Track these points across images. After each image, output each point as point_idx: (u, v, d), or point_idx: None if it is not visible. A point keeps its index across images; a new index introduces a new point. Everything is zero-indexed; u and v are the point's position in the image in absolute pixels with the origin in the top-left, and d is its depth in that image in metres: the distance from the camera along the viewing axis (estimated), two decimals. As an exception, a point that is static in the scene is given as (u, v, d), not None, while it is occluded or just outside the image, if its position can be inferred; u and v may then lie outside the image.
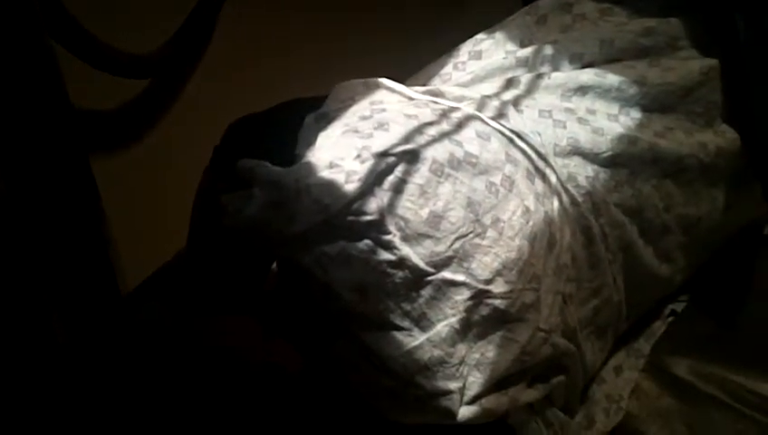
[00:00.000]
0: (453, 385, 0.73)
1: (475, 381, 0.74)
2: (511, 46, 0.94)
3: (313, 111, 0.80)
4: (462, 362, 0.73)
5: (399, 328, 0.72)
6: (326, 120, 0.79)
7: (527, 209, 0.77)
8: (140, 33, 1.02)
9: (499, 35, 0.95)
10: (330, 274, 0.71)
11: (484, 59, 0.93)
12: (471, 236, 0.74)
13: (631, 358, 0.96)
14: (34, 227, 0.70)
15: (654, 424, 0.89)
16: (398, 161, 0.73)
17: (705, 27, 0.95)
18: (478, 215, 0.74)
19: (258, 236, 0.75)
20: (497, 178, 0.77)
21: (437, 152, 0.75)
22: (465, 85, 0.92)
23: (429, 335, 0.72)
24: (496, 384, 0.76)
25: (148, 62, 1.05)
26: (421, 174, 0.73)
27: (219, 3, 1.14)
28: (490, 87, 0.90)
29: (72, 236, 0.76)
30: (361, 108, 0.80)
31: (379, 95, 0.83)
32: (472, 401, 0.74)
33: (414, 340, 0.72)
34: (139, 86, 1.07)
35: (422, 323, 0.72)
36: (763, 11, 0.90)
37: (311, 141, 0.77)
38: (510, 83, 0.90)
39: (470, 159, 0.76)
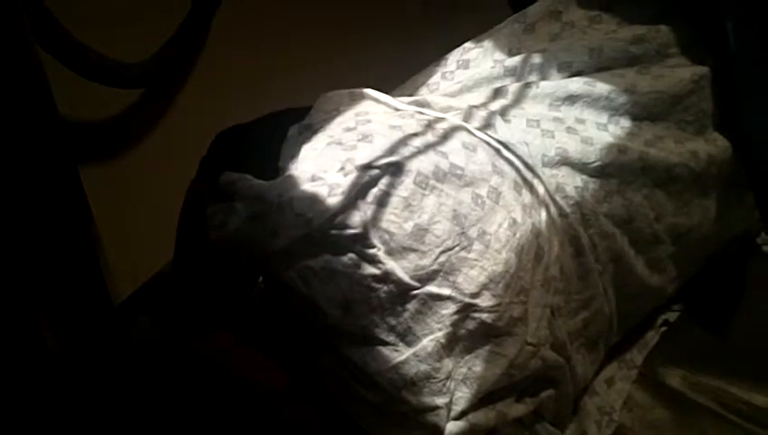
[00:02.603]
0: (440, 401, 0.72)
1: (463, 397, 0.73)
2: (499, 55, 0.93)
3: (299, 121, 0.80)
4: (449, 376, 0.72)
5: (385, 343, 0.71)
6: (310, 132, 0.78)
7: (514, 221, 0.76)
8: (131, 43, 1.02)
9: (487, 44, 0.94)
10: (313, 288, 0.71)
11: (471, 68, 0.93)
12: (457, 249, 0.73)
13: (623, 369, 0.95)
14: (24, 237, 0.70)
15: (647, 436, 0.89)
16: (381, 174, 0.72)
17: (696, 35, 0.94)
18: (464, 227, 0.73)
19: (242, 250, 0.74)
20: (483, 190, 0.76)
21: (422, 164, 0.74)
22: (452, 95, 0.91)
23: (415, 350, 0.71)
24: (484, 399, 0.75)
25: (139, 72, 1.04)
26: (405, 186, 0.72)
27: (211, 13, 1.14)
28: (477, 97, 0.89)
29: (61, 246, 0.75)
30: (346, 119, 0.79)
31: (364, 106, 0.82)
32: (459, 417, 0.73)
33: (400, 355, 0.71)
34: (129, 96, 1.07)
35: (408, 337, 0.72)
36: (752, 18, 0.90)
37: (294, 154, 0.76)
38: (498, 93, 0.89)
39: (456, 170, 0.75)
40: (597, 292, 0.85)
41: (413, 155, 0.74)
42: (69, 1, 0.90)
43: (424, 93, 0.93)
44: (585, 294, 0.84)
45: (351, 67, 1.08)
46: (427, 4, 1.38)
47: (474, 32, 0.99)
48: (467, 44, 0.96)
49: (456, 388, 0.73)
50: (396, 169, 0.73)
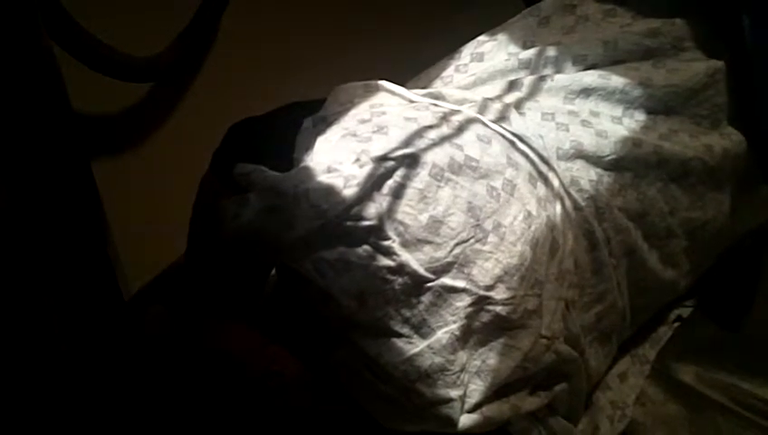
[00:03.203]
0: (454, 393, 0.72)
1: (477, 389, 0.73)
2: (513, 48, 0.93)
3: (313, 114, 0.79)
4: (463, 369, 0.72)
5: (399, 335, 0.71)
6: (324, 124, 0.78)
7: (529, 214, 0.76)
8: (143, 37, 1.02)
9: (501, 37, 0.94)
10: (328, 280, 0.71)
11: (486, 61, 0.93)
12: (472, 241, 0.73)
13: (636, 364, 0.95)
14: (35, 231, 0.70)
15: (659, 431, 0.88)
16: (397, 166, 0.72)
17: (711, 28, 0.94)
18: (479, 220, 0.73)
19: (255, 242, 0.74)
20: (498, 183, 0.76)
21: (437, 156, 0.74)
22: (466, 88, 0.91)
23: (430, 342, 0.71)
24: (498, 392, 0.75)
25: (151, 66, 1.04)
26: (421, 178, 0.72)
27: (222, 7, 1.14)
28: (492, 89, 0.89)
29: (72, 240, 0.75)
30: (361, 111, 0.79)
31: (379, 98, 0.82)
32: (473, 410, 0.73)
33: (414, 347, 0.71)
34: (141, 90, 1.07)
35: (422, 329, 0.71)
36: (769, 12, 0.89)
37: (308, 145, 0.76)
38: (512, 86, 0.89)
39: (471, 162, 0.75)
40: (611, 286, 0.84)
41: (428, 147, 0.74)
42: (81, -4, 0.90)
43: (438, 86, 0.93)
44: (599, 289, 0.84)
45: (360, 63, 1.08)
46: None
47: (484, 27, 0.99)
48: (481, 37, 0.96)
49: (470, 380, 0.73)
50: (411, 161, 0.73)
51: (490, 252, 0.73)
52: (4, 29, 0.62)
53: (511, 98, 0.87)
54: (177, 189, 0.87)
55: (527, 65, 0.91)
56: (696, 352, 0.95)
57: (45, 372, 0.69)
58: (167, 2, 1.06)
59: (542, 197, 0.78)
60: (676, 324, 1.00)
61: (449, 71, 0.94)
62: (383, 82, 0.84)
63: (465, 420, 0.72)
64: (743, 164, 0.93)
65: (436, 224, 0.72)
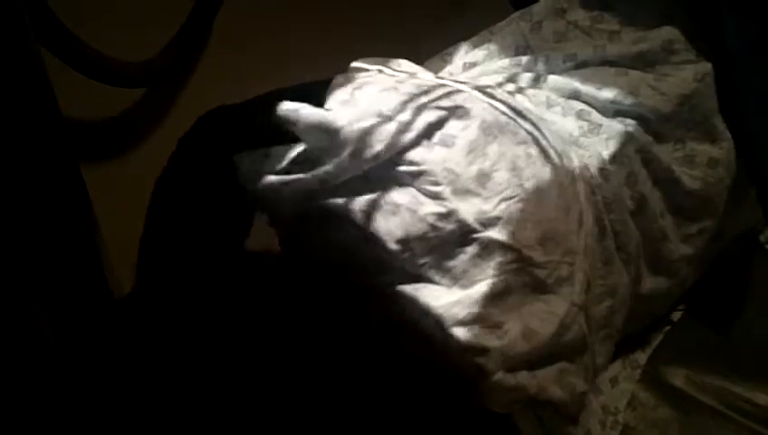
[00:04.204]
0: (491, 343, 0.69)
1: (520, 350, 0.70)
2: (505, 57, 0.93)
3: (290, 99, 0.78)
4: (501, 326, 0.70)
5: (439, 284, 0.70)
6: (357, 83, 0.78)
7: (561, 184, 0.76)
8: (134, 42, 1.02)
9: (493, 46, 0.94)
10: (375, 223, 0.70)
11: (478, 67, 0.93)
12: (516, 199, 0.72)
13: (627, 369, 0.95)
14: (25, 235, 0.70)
15: (650, 435, 0.89)
16: (449, 116, 0.72)
17: (698, 32, 0.94)
18: (522, 180, 0.73)
19: (287, 190, 0.73)
20: (534, 150, 0.76)
21: (485, 113, 0.74)
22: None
23: (469, 292, 0.70)
24: (531, 363, 0.73)
25: (141, 72, 1.04)
26: (472, 130, 0.72)
27: (213, 12, 1.14)
28: (490, 82, 0.89)
29: (62, 245, 0.75)
30: (392, 76, 0.79)
31: (405, 67, 0.83)
32: (510, 370, 0.71)
33: (453, 295, 0.70)
34: (131, 95, 1.06)
35: (463, 280, 0.70)
36: (753, 15, 0.89)
37: (345, 97, 0.75)
38: (510, 79, 0.89)
39: (510, 126, 0.75)
40: (621, 280, 0.83)
41: (475, 104, 0.74)
42: (71, 0, 0.90)
43: None
44: (609, 281, 0.82)
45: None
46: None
47: (475, 29, 0.99)
48: (471, 43, 0.96)
49: (510, 337, 0.71)
50: (463, 113, 0.73)
51: (531, 213, 0.73)
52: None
53: (512, 87, 0.87)
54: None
55: (519, 64, 0.91)
56: (687, 355, 0.96)
57: (36, 374, 0.69)
58: (158, 6, 1.05)
59: (567, 172, 0.78)
60: (666, 328, 1.00)
61: (443, 73, 0.93)
62: (402, 60, 0.85)
63: (501, 377, 0.70)
64: (731, 168, 0.93)
65: (484, 177, 0.72)
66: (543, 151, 0.77)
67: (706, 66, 0.92)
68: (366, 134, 0.70)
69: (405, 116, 0.71)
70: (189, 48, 1.11)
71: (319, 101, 0.77)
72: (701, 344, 0.97)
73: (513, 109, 0.79)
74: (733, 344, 0.97)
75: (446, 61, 0.95)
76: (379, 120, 0.71)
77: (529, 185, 0.73)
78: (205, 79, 1.16)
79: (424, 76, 0.81)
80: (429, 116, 0.71)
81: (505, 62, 0.91)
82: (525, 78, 0.89)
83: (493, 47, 0.94)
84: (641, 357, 0.97)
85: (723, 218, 0.94)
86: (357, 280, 0.74)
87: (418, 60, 0.96)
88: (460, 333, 0.69)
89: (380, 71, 0.83)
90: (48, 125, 0.71)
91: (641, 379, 0.94)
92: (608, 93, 0.87)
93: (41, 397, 0.67)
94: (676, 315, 1.02)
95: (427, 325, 0.70)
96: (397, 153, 0.70)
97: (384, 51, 0.90)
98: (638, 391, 0.93)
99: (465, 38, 0.98)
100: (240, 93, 1.14)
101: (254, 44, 1.20)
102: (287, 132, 0.76)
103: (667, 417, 0.90)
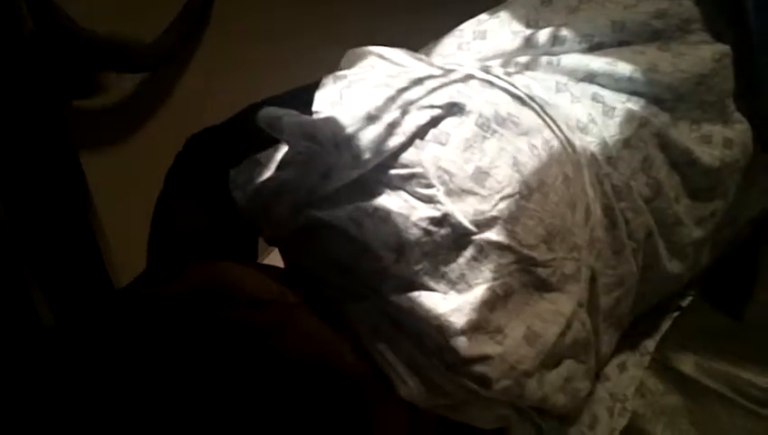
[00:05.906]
0: (491, 350, 0.67)
1: (525, 355, 0.68)
2: (516, 26, 0.89)
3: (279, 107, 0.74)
4: (502, 330, 0.68)
5: (435, 290, 0.67)
6: (347, 80, 0.74)
7: (567, 176, 0.73)
8: (132, 28, 1.01)
9: (504, 15, 0.90)
10: (365, 230, 0.66)
11: (489, 39, 0.89)
12: (517, 197, 0.69)
13: (635, 355, 0.93)
14: (24, 224, 0.69)
15: (659, 422, 0.87)
16: (443, 114, 0.69)
17: (717, 11, 0.91)
18: (524, 176, 0.70)
19: (278, 200, 0.70)
20: (538, 141, 0.73)
21: (482, 107, 0.70)
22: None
23: (467, 298, 0.66)
24: (535, 367, 0.70)
25: (140, 57, 1.03)
26: (467, 127, 0.69)
27: (212, -5, 1.13)
28: (498, 63, 0.87)
29: (62, 234, 0.75)
30: (385, 69, 0.76)
31: (399, 58, 0.79)
32: (512, 373, 0.68)
33: (450, 303, 0.66)
34: (132, 81, 1.06)
35: (459, 285, 0.67)
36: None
37: (334, 98, 0.71)
38: (520, 63, 0.86)
39: (512, 118, 0.72)
40: (631, 270, 0.81)
41: (471, 98, 0.71)
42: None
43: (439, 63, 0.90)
44: (619, 271, 0.80)
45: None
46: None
47: (478, 11, 0.97)
48: (482, 16, 0.92)
49: (511, 342, 0.68)
50: (457, 109, 0.69)
51: (534, 210, 0.69)
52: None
53: (517, 68, 0.85)
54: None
55: (533, 45, 0.87)
56: (696, 341, 0.94)
57: (35, 366, 0.68)
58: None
59: (574, 162, 0.76)
60: (675, 314, 0.99)
61: (451, 48, 0.90)
62: (398, 49, 0.81)
63: (505, 384, 0.67)
64: (747, 151, 0.91)
65: (481, 175, 0.68)
66: (548, 141, 0.74)
67: (724, 47, 0.89)
68: (353, 140, 0.66)
69: (395, 117, 0.67)
70: (188, 34, 1.10)
71: (307, 105, 0.73)
72: (710, 330, 0.96)
73: (516, 96, 0.76)
74: (742, 330, 0.96)
75: (454, 36, 0.92)
76: (366, 123, 0.67)
77: (532, 180, 0.70)
78: (204, 65, 1.15)
79: (418, 67, 0.77)
80: (421, 115, 0.68)
81: (516, 39, 0.88)
82: (535, 59, 0.86)
83: (504, 16, 0.90)
84: (650, 343, 0.95)
85: (736, 203, 0.92)
86: (356, 292, 0.71)
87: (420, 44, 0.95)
88: (460, 343, 0.66)
89: (372, 66, 0.79)
90: (47, 111, 0.70)
91: (649, 365, 0.93)
92: (624, 70, 0.84)
93: (40, 390, 0.67)
94: (686, 301, 1.00)
95: (422, 334, 0.67)
96: (387, 157, 0.67)
97: (383, 35, 0.88)
98: (646, 378, 0.91)
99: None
100: (239, 81, 1.13)
101: (253, 31, 1.19)
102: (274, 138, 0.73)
103: (676, 403, 0.88)
